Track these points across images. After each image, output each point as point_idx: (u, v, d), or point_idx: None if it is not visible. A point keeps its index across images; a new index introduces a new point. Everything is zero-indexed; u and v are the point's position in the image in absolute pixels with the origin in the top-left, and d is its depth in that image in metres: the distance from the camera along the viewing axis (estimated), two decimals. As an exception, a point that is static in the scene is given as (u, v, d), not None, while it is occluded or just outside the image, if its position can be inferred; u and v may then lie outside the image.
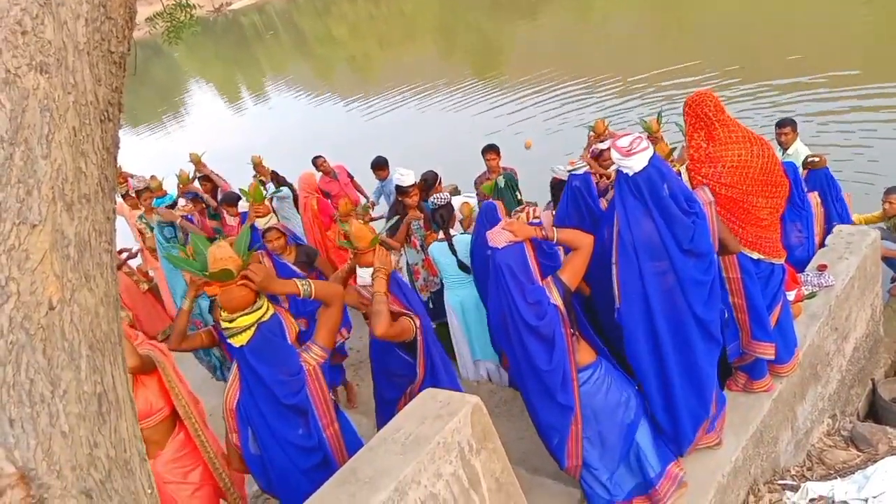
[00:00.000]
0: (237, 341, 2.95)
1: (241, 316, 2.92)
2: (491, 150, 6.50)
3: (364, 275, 3.57)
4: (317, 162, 8.28)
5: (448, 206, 5.13)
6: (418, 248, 5.64)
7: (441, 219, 5.10)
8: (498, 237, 3.12)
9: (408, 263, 5.74)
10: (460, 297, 5.16)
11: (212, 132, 22.96)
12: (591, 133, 6.43)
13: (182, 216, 6.19)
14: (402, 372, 3.64)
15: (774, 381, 3.94)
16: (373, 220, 7.84)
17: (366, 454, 2.74)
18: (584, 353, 3.26)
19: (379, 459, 2.66)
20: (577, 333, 3.22)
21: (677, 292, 3.14)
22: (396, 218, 5.66)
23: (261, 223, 5.71)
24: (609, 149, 5.83)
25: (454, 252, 5.04)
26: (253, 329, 2.95)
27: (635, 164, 3.03)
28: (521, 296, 3.06)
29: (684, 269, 3.10)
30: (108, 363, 1.60)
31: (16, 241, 1.42)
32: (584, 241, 3.21)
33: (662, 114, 6.45)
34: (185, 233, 6.16)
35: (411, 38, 31.86)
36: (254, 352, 2.99)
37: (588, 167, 4.57)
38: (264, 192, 6.59)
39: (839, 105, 10.61)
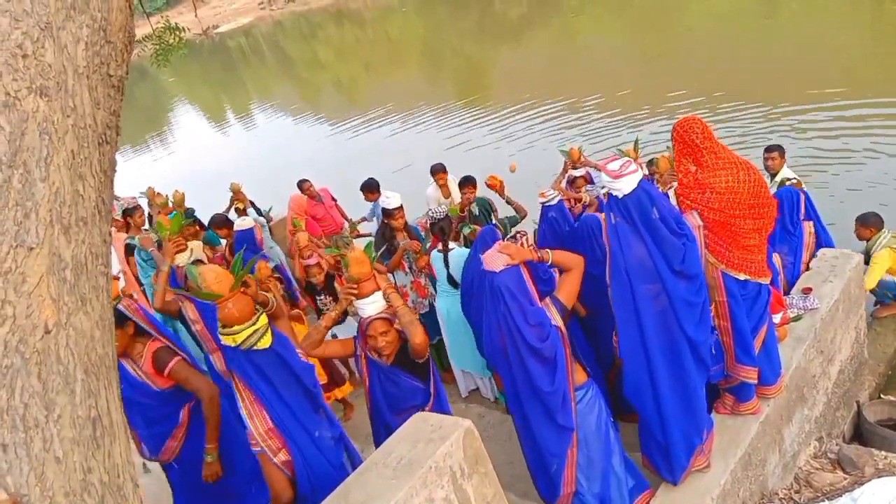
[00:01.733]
0: (266, 341, 3.03)
1: (259, 316, 3.01)
2: (468, 183, 6.54)
3: (371, 301, 3.43)
4: (303, 186, 8.27)
5: (447, 219, 5.31)
6: (407, 270, 5.65)
7: (441, 231, 5.24)
8: (495, 261, 3.11)
9: (396, 286, 5.74)
10: (447, 305, 5.35)
11: (196, 155, 22.92)
12: (567, 159, 6.47)
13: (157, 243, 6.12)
14: (413, 401, 3.57)
15: (761, 403, 3.96)
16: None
17: (357, 478, 2.72)
18: (579, 373, 3.31)
19: (371, 483, 2.65)
20: (574, 353, 3.25)
21: (669, 314, 3.18)
22: (384, 247, 5.66)
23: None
24: (583, 176, 5.94)
25: (447, 265, 5.20)
26: (269, 326, 3.07)
27: (625, 186, 3.07)
28: (523, 318, 3.06)
29: (675, 290, 3.14)
30: (102, 387, 1.59)
31: (13, 264, 1.41)
32: (576, 261, 3.30)
33: (639, 141, 6.47)
34: None
35: (397, 61, 32.05)
36: (280, 345, 3.10)
37: (560, 195, 4.68)
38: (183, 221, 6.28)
39: (823, 125, 10.78)
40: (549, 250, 3.29)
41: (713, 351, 3.54)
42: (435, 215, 5.41)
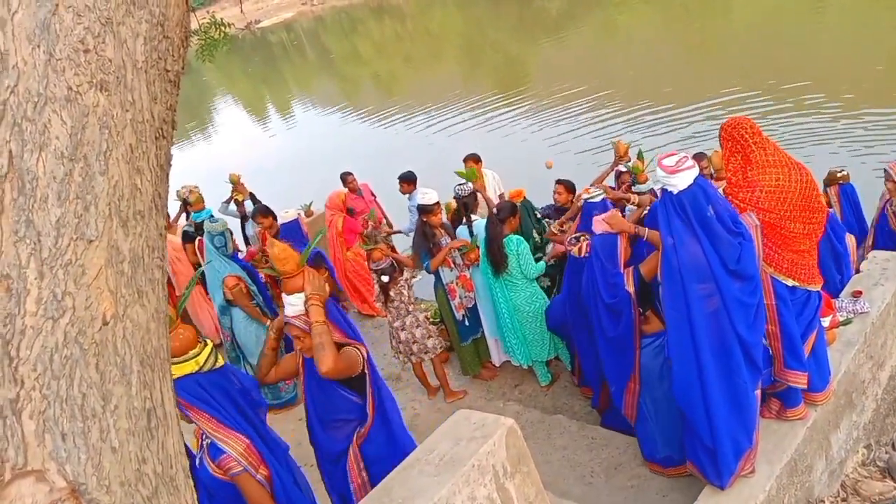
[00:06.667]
0: (222, 359, 3.03)
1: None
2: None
3: (294, 302, 3.06)
4: (346, 179, 8.31)
5: (473, 195, 5.83)
6: (452, 266, 5.63)
7: (465, 206, 5.74)
8: (598, 225, 3.80)
9: (443, 283, 5.72)
10: (480, 272, 5.65)
11: (238, 149, 23.16)
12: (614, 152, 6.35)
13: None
14: (347, 416, 3.24)
15: (809, 408, 3.87)
16: (391, 233, 7.86)
17: (400, 474, 2.72)
18: (653, 324, 3.80)
19: (413, 480, 2.64)
20: (647, 313, 3.80)
21: (722, 314, 3.14)
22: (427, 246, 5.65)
23: None
24: (628, 171, 5.83)
25: (472, 236, 5.55)
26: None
27: (680, 181, 3.03)
28: (603, 276, 3.73)
29: (729, 290, 3.10)
30: (157, 379, 1.61)
31: (73, 256, 1.44)
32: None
33: (643, 152, 6.11)
34: (235, 243, 6.18)
35: (437, 56, 32.03)
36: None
37: (604, 193, 4.67)
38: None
39: (870, 121, 10.48)
40: (646, 228, 3.72)
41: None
42: (460, 192, 5.75)
